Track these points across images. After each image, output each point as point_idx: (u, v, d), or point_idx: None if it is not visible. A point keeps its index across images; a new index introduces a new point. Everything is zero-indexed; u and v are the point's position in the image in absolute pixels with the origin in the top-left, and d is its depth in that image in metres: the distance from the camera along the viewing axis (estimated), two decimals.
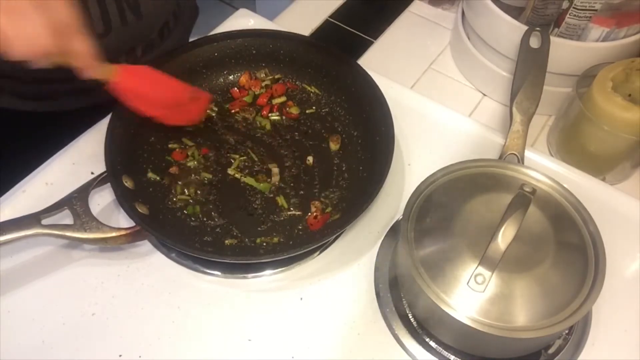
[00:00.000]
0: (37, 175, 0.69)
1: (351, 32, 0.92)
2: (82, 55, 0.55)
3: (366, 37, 0.91)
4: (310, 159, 0.72)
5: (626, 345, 0.60)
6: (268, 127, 0.74)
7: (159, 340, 0.59)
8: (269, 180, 0.70)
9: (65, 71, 0.55)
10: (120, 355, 0.58)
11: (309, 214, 0.67)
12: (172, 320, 0.60)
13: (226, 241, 0.65)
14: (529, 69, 0.69)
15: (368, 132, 0.72)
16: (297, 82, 0.79)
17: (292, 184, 0.70)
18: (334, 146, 0.73)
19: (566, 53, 0.72)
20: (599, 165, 0.72)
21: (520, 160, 0.65)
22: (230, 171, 0.71)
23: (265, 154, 0.72)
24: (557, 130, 0.76)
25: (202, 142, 0.73)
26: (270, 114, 0.76)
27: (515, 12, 0.75)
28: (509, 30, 0.74)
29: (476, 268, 0.52)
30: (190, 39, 0.76)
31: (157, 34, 0.77)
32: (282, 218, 0.67)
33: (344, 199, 0.69)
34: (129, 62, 0.75)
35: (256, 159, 0.72)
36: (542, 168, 0.69)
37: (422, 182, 0.59)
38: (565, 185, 0.59)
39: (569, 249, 0.55)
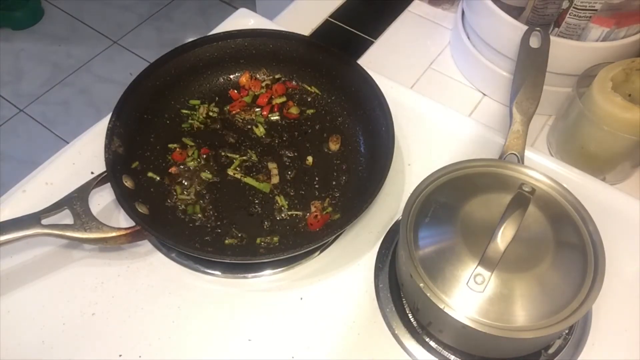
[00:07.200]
0: (37, 175, 0.69)
1: (351, 32, 0.92)
2: None
3: (366, 37, 0.91)
4: (310, 159, 0.72)
5: (626, 345, 0.60)
6: (263, 133, 0.74)
7: (159, 340, 0.59)
8: (268, 180, 0.70)
9: None
10: (120, 355, 0.58)
11: (309, 214, 0.67)
12: (172, 320, 0.60)
13: (226, 241, 0.65)
14: (529, 69, 0.69)
15: (368, 132, 0.72)
16: (297, 82, 0.79)
17: (292, 184, 0.70)
18: (334, 146, 0.73)
19: (566, 53, 0.72)
20: (599, 165, 0.72)
21: (520, 160, 0.65)
22: (230, 171, 0.71)
23: (265, 154, 0.72)
24: (557, 130, 0.76)
25: (202, 142, 0.73)
26: (270, 114, 0.76)
27: (515, 12, 0.75)
28: (509, 30, 0.74)
29: (476, 268, 0.52)
30: (190, 39, 0.76)
31: None
32: (282, 218, 0.67)
33: (344, 199, 0.69)
34: None
35: (256, 159, 0.72)
36: (542, 168, 0.69)
37: (422, 182, 0.59)
38: (565, 185, 0.59)
39: (568, 248, 0.55)
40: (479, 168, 0.61)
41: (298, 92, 0.78)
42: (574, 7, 0.69)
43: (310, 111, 0.77)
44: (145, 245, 0.65)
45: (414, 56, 0.89)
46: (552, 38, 0.71)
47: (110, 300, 0.61)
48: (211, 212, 0.67)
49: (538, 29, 0.71)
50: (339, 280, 0.63)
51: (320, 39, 0.87)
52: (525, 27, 0.72)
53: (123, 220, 0.66)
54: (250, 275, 0.63)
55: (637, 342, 0.60)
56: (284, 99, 0.77)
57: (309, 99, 0.78)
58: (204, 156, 0.72)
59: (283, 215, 0.67)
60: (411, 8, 0.96)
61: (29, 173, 0.72)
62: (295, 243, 0.65)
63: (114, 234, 0.60)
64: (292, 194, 0.69)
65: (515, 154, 0.65)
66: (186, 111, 0.76)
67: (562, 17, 0.71)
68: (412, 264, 0.54)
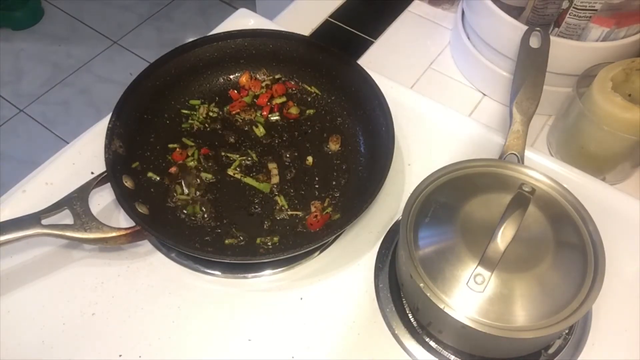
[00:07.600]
0: (37, 175, 0.69)
1: (351, 32, 0.92)
2: None
3: (366, 37, 0.91)
4: (310, 159, 0.72)
5: (626, 345, 0.60)
6: (263, 133, 0.74)
7: (159, 340, 0.59)
8: (268, 180, 0.70)
9: None
10: (120, 355, 0.58)
11: (309, 214, 0.67)
12: (172, 320, 0.60)
13: (226, 241, 0.65)
14: (529, 69, 0.69)
15: (368, 132, 0.72)
16: (297, 82, 0.79)
17: (292, 184, 0.70)
18: (334, 146, 0.73)
19: (566, 53, 0.72)
20: (599, 165, 0.72)
21: (520, 160, 0.65)
22: (230, 171, 0.71)
23: (265, 154, 0.72)
24: (557, 130, 0.76)
25: (202, 142, 0.73)
26: (270, 114, 0.76)
27: (515, 12, 0.75)
28: (509, 30, 0.74)
29: (475, 268, 0.52)
30: (190, 39, 0.76)
31: None
32: (282, 218, 0.67)
33: (344, 199, 0.69)
34: None
35: (256, 159, 0.72)
36: (542, 168, 0.69)
37: (422, 182, 0.59)
38: (565, 185, 0.59)
39: (568, 248, 0.55)
40: (479, 168, 0.61)
41: (298, 92, 0.78)
42: (574, 7, 0.69)
43: (310, 111, 0.77)
44: (145, 245, 0.65)
45: (414, 56, 0.89)
46: (552, 38, 0.71)
47: (110, 300, 0.61)
48: (211, 212, 0.67)
49: (538, 29, 0.71)
50: (339, 280, 0.63)
51: (320, 39, 0.87)
52: (525, 27, 0.72)
53: (123, 220, 0.66)
54: (250, 275, 0.63)
55: (637, 342, 0.60)
56: (284, 99, 0.77)
57: (309, 99, 0.78)
58: (204, 156, 0.72)
59: (283, 215, 0.67)
60: (411, 8, 0.96)
61: (29, 173, 0.72)
62: (295, 243, 0.65)
63: (114, 234, 0.60)
64: (292, 194, 0.69)
65: (515, 154, 0.65)
66: (186, 111, 0.76)
67: (562, 17, 0.71)
68: (412, 264, 0.54)
